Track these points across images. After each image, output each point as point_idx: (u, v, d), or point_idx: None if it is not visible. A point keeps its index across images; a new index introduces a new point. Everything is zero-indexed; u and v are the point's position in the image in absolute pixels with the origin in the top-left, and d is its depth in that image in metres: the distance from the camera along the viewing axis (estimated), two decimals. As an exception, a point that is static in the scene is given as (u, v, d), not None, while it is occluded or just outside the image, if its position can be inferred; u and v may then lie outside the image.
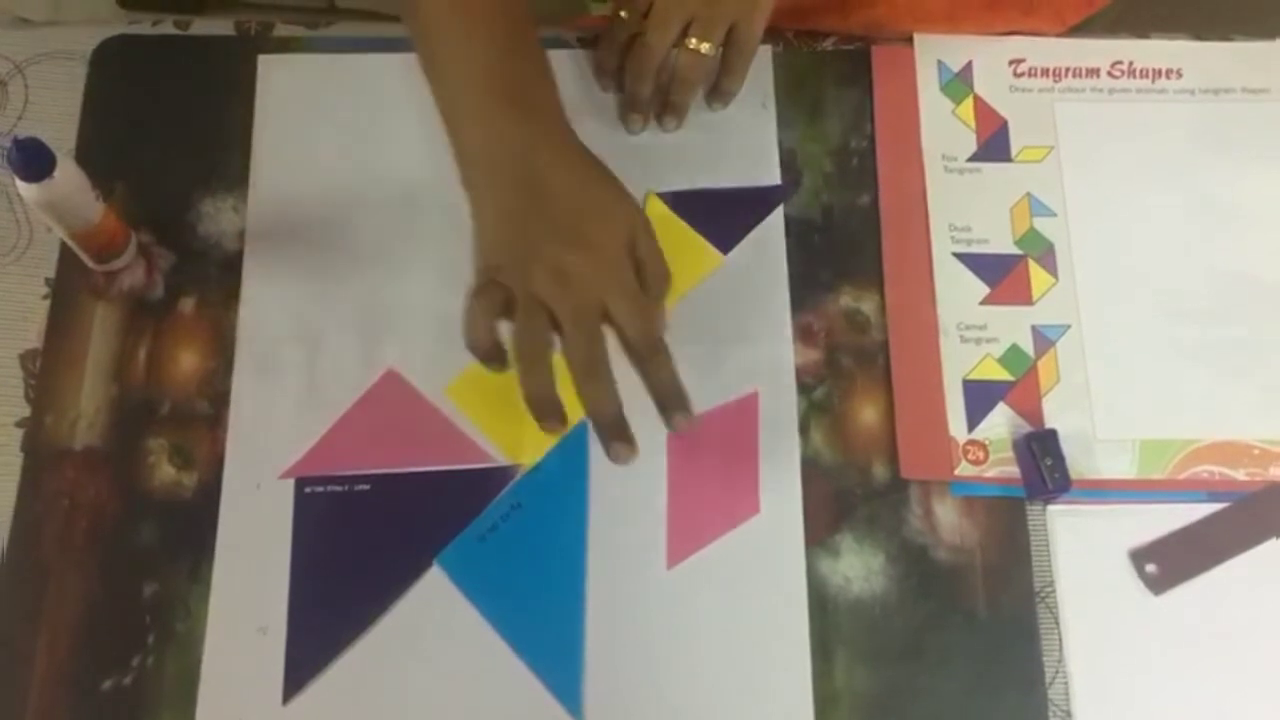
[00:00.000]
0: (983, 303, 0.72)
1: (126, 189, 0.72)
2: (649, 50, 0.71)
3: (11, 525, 0.65)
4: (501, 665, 0.63)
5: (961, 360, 0.70)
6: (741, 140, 0.75)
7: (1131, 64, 0.78)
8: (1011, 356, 0.70)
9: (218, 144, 0.73)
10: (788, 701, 0.63)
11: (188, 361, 0.69)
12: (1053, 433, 0.67)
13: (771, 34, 0.75)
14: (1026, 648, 0.65)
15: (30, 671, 0.62)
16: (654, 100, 0.74)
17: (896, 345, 0.71)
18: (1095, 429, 0.69)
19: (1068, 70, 0.78)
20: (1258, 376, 0.70)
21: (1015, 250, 0.73)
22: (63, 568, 0.64)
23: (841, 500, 0.67)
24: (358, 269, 0.71)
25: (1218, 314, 0.72)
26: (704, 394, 0.68)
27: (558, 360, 0.58)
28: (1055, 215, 0.74)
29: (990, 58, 0.78)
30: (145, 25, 0.77)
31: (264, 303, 0.70)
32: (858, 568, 0.66)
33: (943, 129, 0.76)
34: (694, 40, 0.71)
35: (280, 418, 0.67)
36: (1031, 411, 0.69)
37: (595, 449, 0.67)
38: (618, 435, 0.58)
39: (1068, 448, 0.67)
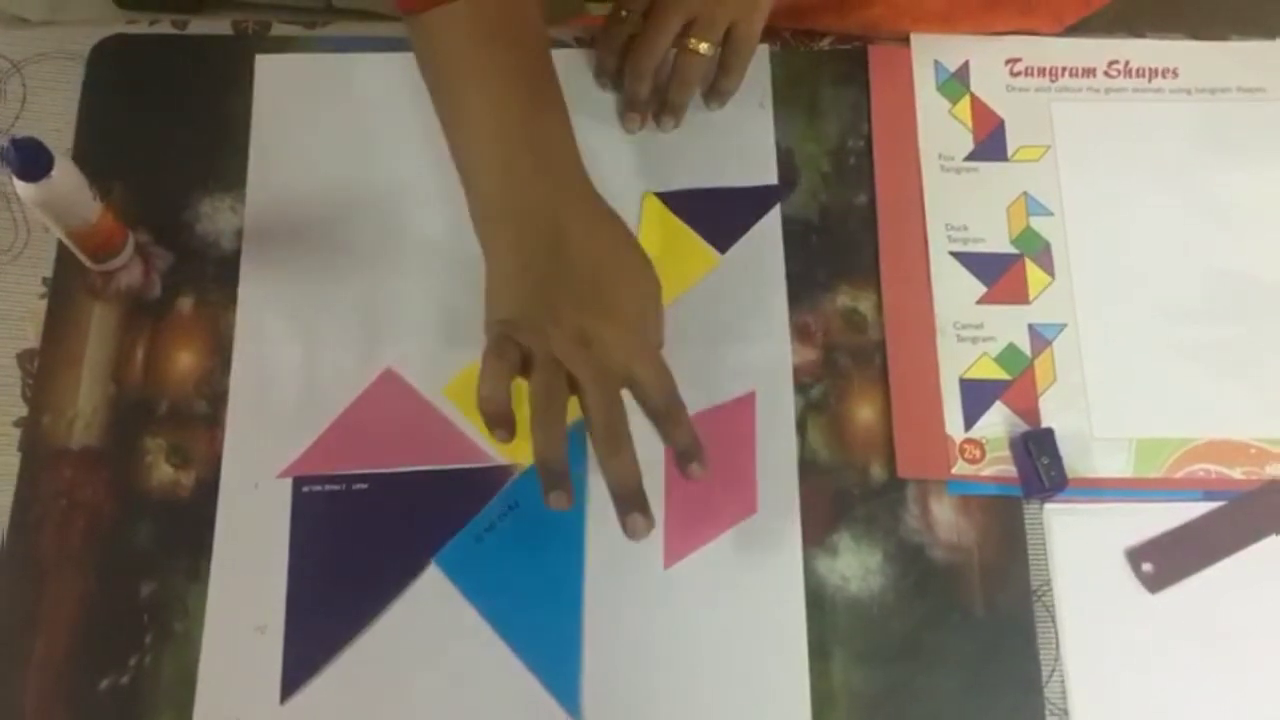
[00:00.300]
0: (979, 302, 0.72)
1: (124, 188, 0.72)
2: (647, 50, 0.71)
3: (9, 525, 0.65)
4: (499, 664, 0.63)
5: (958, 359, 0.70)
6: (739, 140, 0.75)
7: (1128, 63, 0.78)
8: (1008, 356, 0.70)
9: (215, 144, 0.73)
10: (785, 700, 0.63)
11: (185, 361, 0.69)
12: (1049, 432, 0.67)
13: (769, 34, 0.75)
14: (1023, 646, 0.65)
15: (27, 671, 0.62)
16: (652, 100, 0.74)
17: (893, 344, 0.71)
18: (1092, 428, 0.69)
19: (1064, 70, 0.78)
20: (1254, 375, 0.71)
21: (1012, 249, 0.73)
22: (60, 567, 0.64)
23: (839, 499, 0.67)
24: (355, 268, 0.71)
25: (1214, 313, 0.72)
26: (702, 394, 0.69)
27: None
28: (1052, 214, 0.74)
29: (987, 57, 0.78)
30: (143, 25, 0.77)
31: (261, 302, 0.70)
32: (855, 567, 0.66)
33: (939, 128, 0.76)
34: (692, 40, 0.71)
35: (278, 417, 0.67)
36: (1028, 410, 0.69)
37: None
38: (637, 507, 0.57)
39: (1064, 447, 0.67)
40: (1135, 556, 0.66)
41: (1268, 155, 0.76)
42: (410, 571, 0.65)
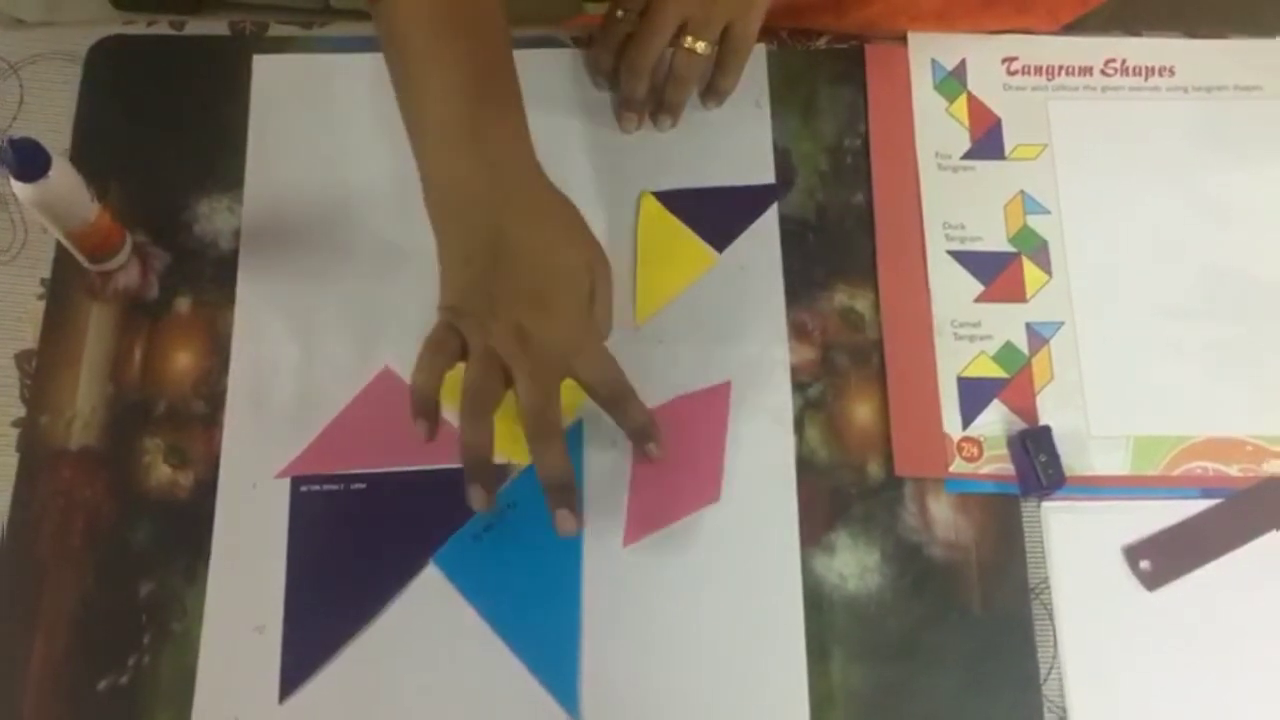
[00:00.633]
0: (977, 300, 0.72)
1: (121, 189, 0.72)
2: (644, 50, 0.71)
3: (7, 525, 0.65)
4: (498, 663, 0.63)
5: (956, 358, 0.70)
6: (736, 139, 0.75)
7: (1124, 62, 0.78)
8: (1005, 354, 0.70)
9: (213, 144, 0.74)
10: (783, 699, 0.63)
11: (183, 361, 0.69)
12: (1047, 429, 0.67)
13: (766, 33, 0.75)
14: (1021, 644, 0.65)
15: (26, 671, 0.62)
16: (649, 99, 0.74)
17: (891, 343, 0.71)
18: (1089, 426, 0.69)
19: (1061, 68, 0.78)
20: (1251, 373, 0.71)
21: (1009, 248, 0.73)
22: (59, 567, 0.64)
23: (836, 498, 0.67)
24: (353, 268, 0.71)
25: (1211, 311, 0.72)
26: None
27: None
28: (1049, 213, 0.74)
29: (984, 56, 0.78)
30: (140, 25, 0.77)
31: (259, 302, 0.70)
32: (853, 565, 0.66)
33: (936, 127, 0.76)
34: (689, 40, 0.71)
35: (276, 417, 0.67)
36: (1026, 408, 0.69)
37: (591, 448, 0.68)
38: (564, 503, 0.59)
39: (1062, 444, 0.67)
40: (1133, 554, 0.66)
41: (1264, 153, 0.76)
42: (408, 571, 0.65)
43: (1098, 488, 0.68)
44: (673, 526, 0.66)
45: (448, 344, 0.59)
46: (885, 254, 0.73)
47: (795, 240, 0.73)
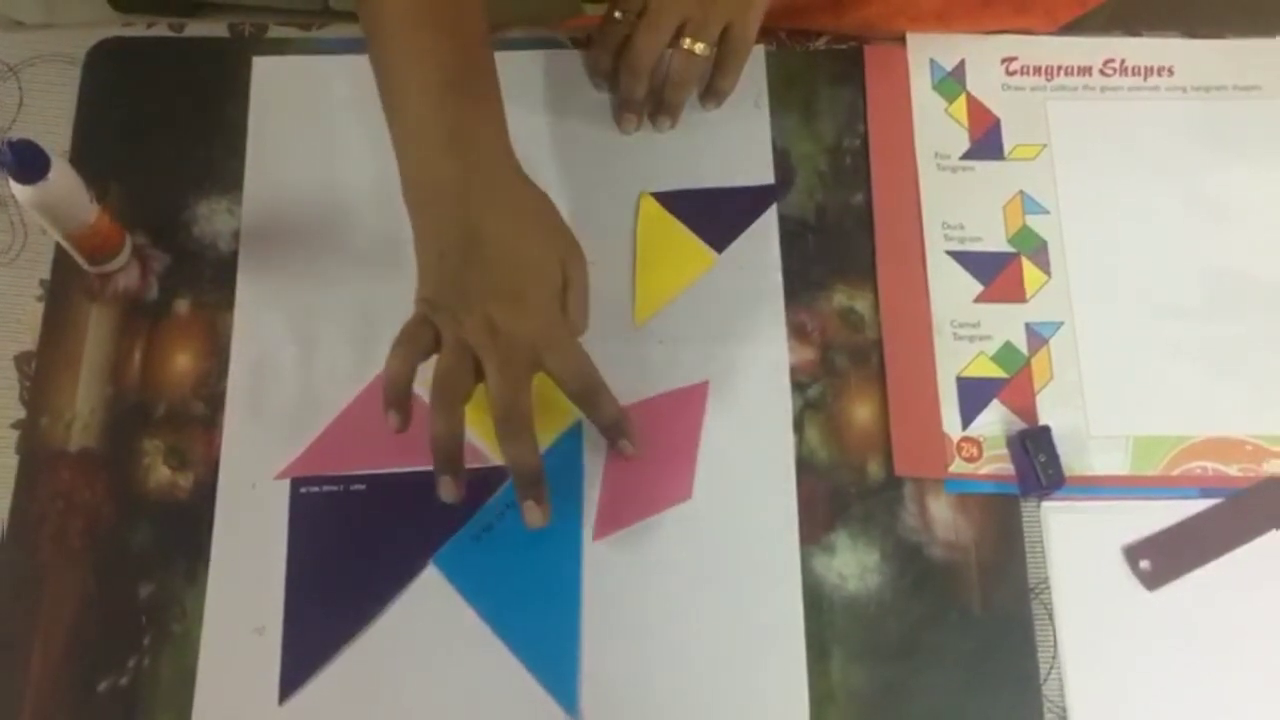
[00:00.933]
0: (976, 300, 0.72)
1: (121, 191, 0.72)
2: (643, 51, 0.71)
3: (7, 527, 0.65)
4: (498, 664, 0.63)
5: (955, 358, 0.70)
6: (735, 140, 0.75)
7: (1123, 62, 0.78)
8: (1005, 354, 0.70)
9: (212, 146, 0.74)
10: (784, 699, 0.63)
11: (183, 363, 0.69)
12: (1046, 429, 0.67)
13: (764, 33, 0.75)
14: (1021, 644, 0.65)
15: (26, 673, 0.62)
16: (648, 100, 0.74)
17: (890, 343, 0.71)
18: (1089, 426, 0.69)
19: (1060, 68, 0.78)
20: (1250, 373, 0.71)
21: (1008, 248, 0.73)
22: (59, 569, 0.64)
23: (836, 498, 0.67)
24: (352, 269, 0.71)
25: (1210, 311, 0.72)
26: (698, 393, 0.69)
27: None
28: (1048, 213, 0.74)
29: (982, 56, 0.78)
30: (139, 27, 0.77)
31: (259, 304, 0.70)
32: (853, 565, 0.66)
33: (935, 127, 0.76)
34: (688, 41, 0.71)
35: (275, 418, 0.67)
36: (1025, 408, 0.69)
37: (589, 448, 0.68)
38: (532, 495, 0.60)
39: (1061, 444, 0.67)
40: (1133, 554, 0.66)
41: (1263, 153, 0.76)
42: (408, 572, 0.65)
43: (1097, 488, 0.68)
44: (673, 526, 0.66)
45: (421, 336, 0.60)
46: (884, 254, 0.73)
47: (794, 241, 0.73)
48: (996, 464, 0.68)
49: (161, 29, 0.77)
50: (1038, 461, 0.66)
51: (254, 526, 0.65)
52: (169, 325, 0.70)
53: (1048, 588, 0.66)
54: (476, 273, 0.59)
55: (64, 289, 0.70)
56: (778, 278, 0.72)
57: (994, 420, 0.69)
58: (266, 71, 0.76)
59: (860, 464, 0.68)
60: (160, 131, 0.74)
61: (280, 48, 0.77)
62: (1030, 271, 0.73)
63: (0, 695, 0.62)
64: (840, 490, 0.68)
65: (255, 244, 0.71)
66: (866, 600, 0.66)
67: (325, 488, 0.66)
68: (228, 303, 0.70)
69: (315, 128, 0.74)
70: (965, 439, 0.69)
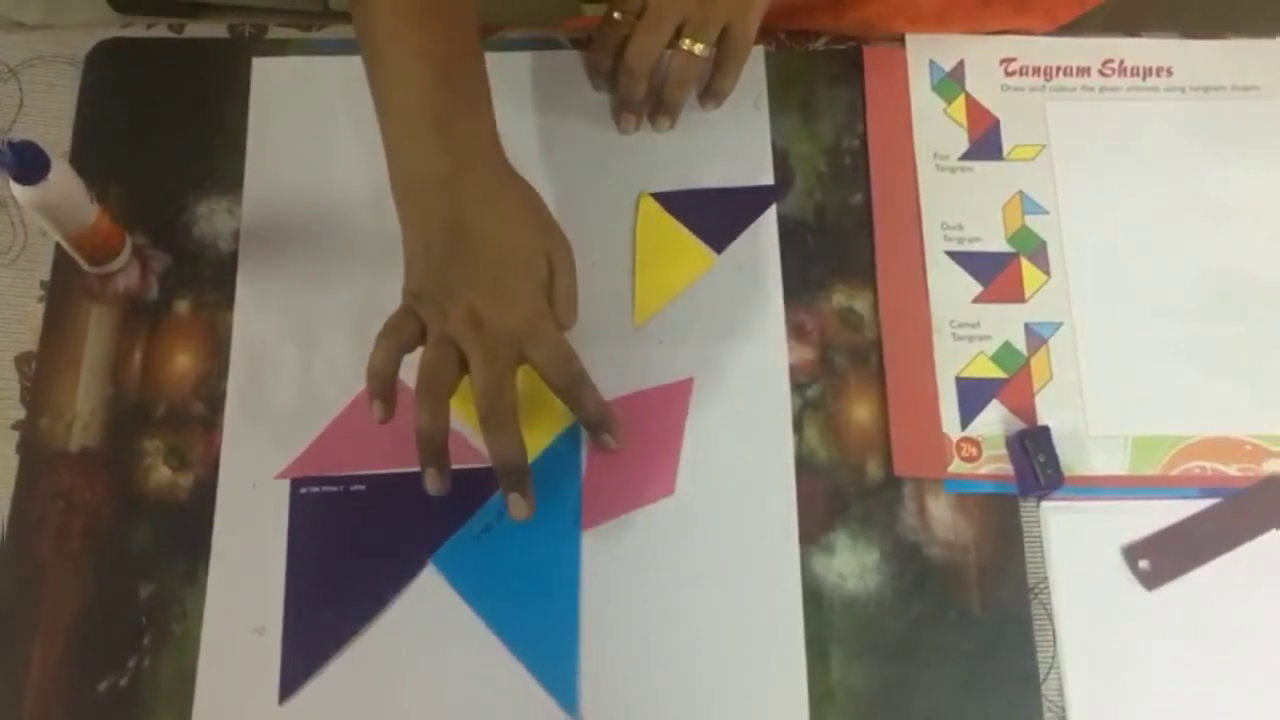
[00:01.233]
0: (975, 301, 0.72)
1: (121, 191, 0.72)
2: (643, 51, 0.71)
3: (7, 527, 0.65)
4: (497, 664, 0.63)
5: (954, 358, 0.70)
6: (734, 140, 0.75)
7: (1122, 62, 0.78)
8: (1004, 354, 0.71)
9: (212, 146, 0.74)
10: (783, 699, 0.63)
11: (183, 363, 0.69)
12: (1045, 429, 0.68)
13: (763, 34, 0.75)
14: (1021, 644, 0.65)
15: (26, 673, 0.62)
16: (647, 101, 0.74)
17: (890, 343, 0.71)
18: (1088, 425, 0.69)
19: (1059, 69, 0.78)
20: (1249, 373, 0.71)
21: (1007, 248, 0.73)
22: (59, 569, 0.64)
23: (836, 498, 0.67)
24: (352, 270, 0.71)
25: (1209, 311, 0.72)
26: (697, 395, 0.69)
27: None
28: (1047, 213, 0.74)
29: (981, 57, 0.78)
30: (139, 28, 0.77)
31: (259, 304, 0.70)
32: (852, 565, 0.66)
33: (934, 128, 0.76)
34: (687, 41, 0.71)
35: (275, 419, 0.68)
36: (1024, 408, 0.69)
37: (588, 447, 0.68)
38: (516, 487, 0.60)
39: (1060, 444, 0.67)
40: (1132, 554, 0.66)
41: (1262, 153, 0.76)
42: (408, 572, 0.65)
43: (1096, 488, 0.68)
44: (672, 526, 0.66)
45: (405, 328, 0.60)
46: (884, 254, 0.73)
47: (794, 241, 0.73)
48: (996, 464, 0.68)
49: (161, 30, 0.77)
50: (1037, 461, 0.66)
51: (254, 526, 0.65)
52: (169, 325, 0.70)
53: (1047, 587, 0.66)
54: (462, 264, 0.60)
55: (64, 289, 0.70)
56: (777, 278, 0.72)
57: (993, 420, 0.69)
58: (266, 72, 0.76)
59: (859, 464, 0.68)
60: (160, 132, 0.74)
61: (280, 48, 0.77)
62: (1029, 272, 0.73)
63: (1, 695, 0.62)
64: (839, 490, 0.68)
65: (255, 244, 0.71)
66: (866, 600, 0.66)
67: (325, 488, 0.66)
68: (228, 303, 0.70)
69: (315, 128, 0.74)
70: (964, 439, 0.69)
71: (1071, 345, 0.71)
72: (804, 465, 0.68)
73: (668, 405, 0.69)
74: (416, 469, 0.66)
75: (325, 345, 0.69)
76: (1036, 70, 0.78)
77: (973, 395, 0.70)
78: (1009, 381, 0.70)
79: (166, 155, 0.74)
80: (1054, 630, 0.65)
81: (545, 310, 0.62)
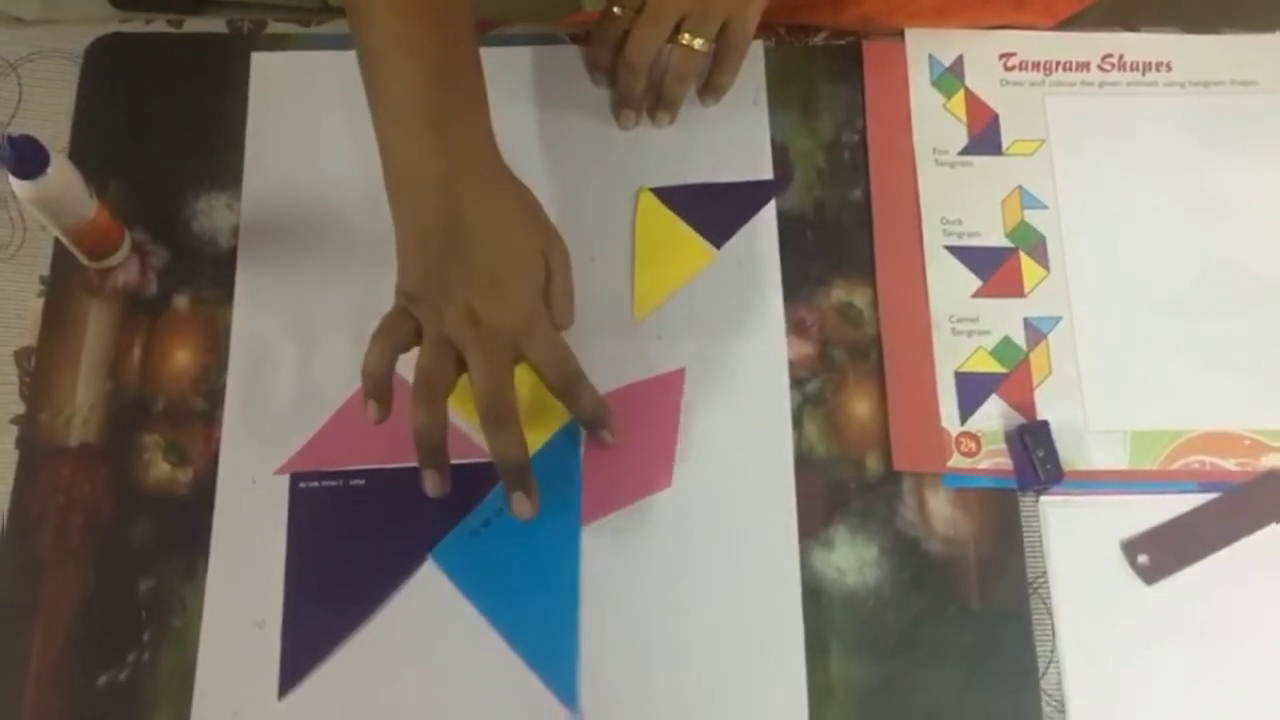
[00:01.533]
0: (974, 295, 0.72)
1: (120, 187, 0.72)
2: (642, 46, 0.71)
3: (7, 522, 0.65)
4: (497, 659, 0.63)
5: (953, 353, 0.70)
6: (733, 135, 0.75)
7: (1121, 57, 0.78)
8: (1003, 349, 0.71)
9: (211, 142, 0.74)
10: (782, 693, 0.63)
11: (182, 358, 0.69)
12: (1045, 424, 0.68)
13: (763, 29, 0.75)
14: (1020, 638, 0.65)
15: (26, 668, 0.62)
16: (647, 96, 0.74)
17: (889, 338, 0.71)
18: (1087, 420, 0.69)
19: (1058, 64, 0.78)
20: (1248, 367, 0.71)
21: (1007, 243, 0.73)
22: (58, 564, 0.64)
23: (835, 493, 0.67)
24: (351, 265, 0.71)
25: (1209, 305, 0.72)
26: (696, 390, 0.69)
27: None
28: (1046, 208, 0.74)
29: (981, 51, 0.78)
30: (138, 23, 0.77)
31: (258, 299, 0.70)
32: (851, 560, 0.66)
33: (934, 123, 0.76)
34: (686, 36, 0.71)
35: (275, 414, 0.68)
36: (1023, 403, 0.69)
37: (586, 442, 0.68)
38: (520, 486, 0.60)
39: (1060, 439, 0.67)
40: (1131, 548, 0.67)
41: (1261, 148, 0.76)
42: (407, 567, 0.65)
43: (1096, 482, 0.68)
44: (671, 522, 0.66)
45: (399, 328, 0.60)
46: (883, 250, 0.73)
47: (793, 236, 0.73)
48: (995, 459, 0.68)
49: (160, 25, 0.77)
50: (1036, 456, 0.66)
51: (253, 521, 0.65)
52: (168, 321, 0.70)
53: (1046, 582, 0.66)
54: (459, 263, 0.59)
55: (63, 285, 0.70)
56: (776, 273, 0.72)
57: (992, 415, 0.69)
58: (265, 67, 0.76)
59: (859, 459, 0.68)
60: (159, 127, 0.74)
61: (279, 43, 0.77)
62: (1029, 266, 0.73)
63: (1, 690, 0.62)
64: (839, 485, 0.68)
65: (254, 239, 0.71)
66: (865, 595, 0.66)
67: (324, 483, 0.66)
68: (227, 298, 0.70)
69: (314, 123, 0.74)
70: (964, 434, 0.69)
71: (1070, 340, 0.71)
72: (803, 460, 0.68)
73: (661, 396, 0.69)
74: (416, 464, 0.66)
75: (325, 340, 0.69)
76: (1036, 65, 0.78)
77: (972, 390, 0.70)
78: (1008, 376, 0.70)
79: (166, 150, 0.73)
80: (1053, 625, 0.65)
81: (542, 309, 0.62)
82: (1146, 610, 0.66)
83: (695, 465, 0.68)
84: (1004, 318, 0.71)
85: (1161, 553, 0.66)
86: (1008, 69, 0.78)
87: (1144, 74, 0.78)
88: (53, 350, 0.69)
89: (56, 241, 0.70)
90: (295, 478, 0.66)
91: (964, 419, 0.69)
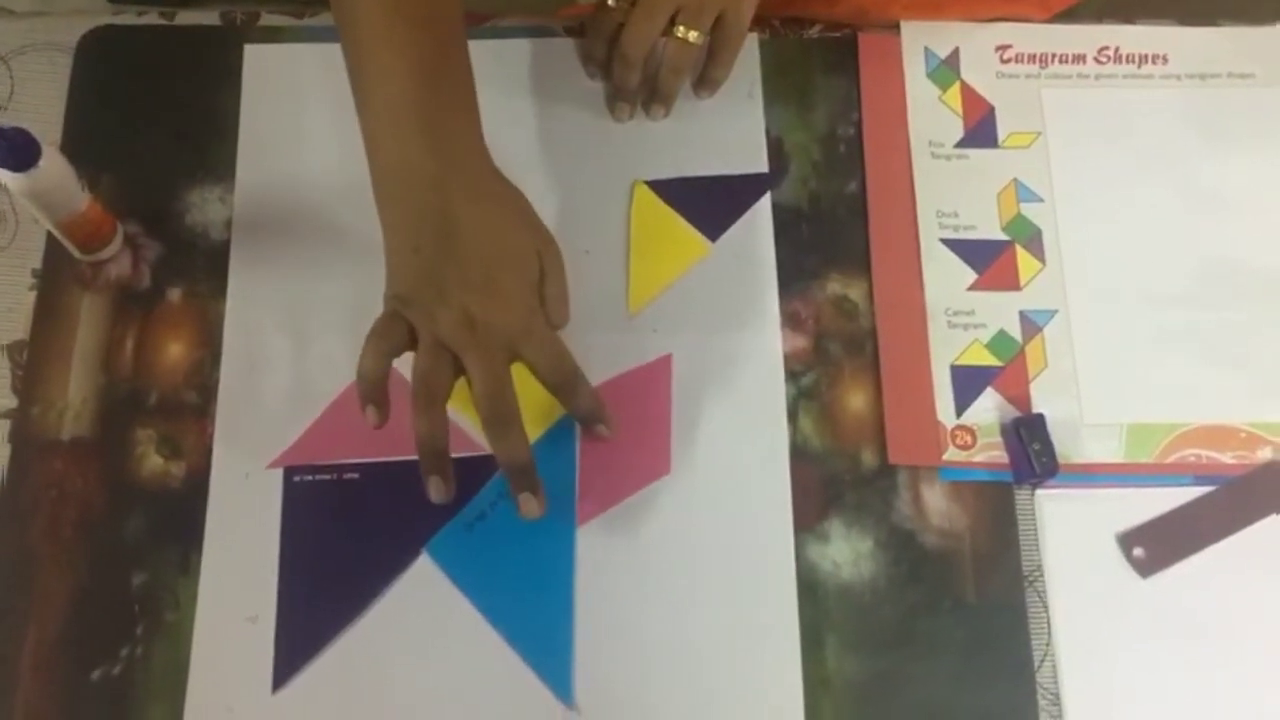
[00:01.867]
0: (970, 288, 0.72)
1: (113, 179, 0.72)
2: (637, 39, 0.71)
3: (-1, 516, 0.65)
4: (491, 653, 0.63)
5: (949, 346, 0.70)
6: (729, 128, 0.75)
7: (1118, 49, 0.78)
8: (999, 342, 0.70)
9: (204, 134, 0.73)
10: (778, 687, 0.63)
11: (175, 352, 0.69)
12: (1040, 417, 0.68)
13: (758, 22, 0.75)
14: (1015, 632, 0.65)
15: (19, 662, 0.62)
16: (642, 89, 0.74)
17: (884, 332, 0.71)
18: (1083, 413, 0.69)
19: (1054, 56, 0.78)
20: (1244, 360, 0.71)
21: (1002, 236, 0.73)
22: (51, 559, 0.64)
23: (830, 486, 0.67)
24: (345, 258, 0.71)
25: (1204, 298, 0.72)
26: (692, 383, 0.69)
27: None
28: (1042, 201, 0.74)
29: (976, 44, 0.78)
30: (130, 15, 0.77)
31: (251, 292, 0.70)
32: (846, 553, 0.66)
33: (930, 115, 0.76)
34: (682, 29, 0.71)
35: (268, 407, 0.67)
36: (1019, 396, 0.69)
37: (580, 436, 0.68)
38: (527, 487, 0.60)
39: (1055, 432, 0.67)
40: (1127, 542, 0.66)
41: (1258, 141, 0.76)
42: (402, 561, 0.65)
43: (1091, 475, 0.68)
44: (666, 516, 0.66)
45: (393, 332, 0.59)
46: (878, 243, 0.73)
47: (788, 229, 0.73)
48: (990, 452, 0.68)
49: (153, 17, 0.77)
50: (1032, 449, 0.66)
51: (247, 515, 0.65)
52: (161, 314, 0.69)
53: (1041, 575, 0.66)
54: (453, 265, 0.59)
55: (56, 278, 0.70)
56: (772, 266, 0.72)
57: (988, 408, 0.69)
58: (258, 59, 0.75)
59: (854, 452, 0.68)
60: (152, 120, 0.74)
61: (272, 35, 0.76)
62: (1024, 259, 0.72)
63: (-7, 684, 0.62)
64: (834, 478, 0.68)
65: (247, 233, 0.71)
66: (860, 588, 0.66)
67: (318, 476, 0.66)
68: (220, 291, 0.70)
69: (307, 116, 0.74)
70: (959, 427, 0.68)
71: (1066, 333, 0.71)
72: (798, 453, 0.68)
73: (651, 384, 0.69)
74: (410, 458, 0.65)
75: (318, 333, 0.69)
76: (1032, 57, 0.78)
77: (968, 383, 0.69)
78: (1004, 369, 0.70)
79: (158, 143, 0.73)
80: (1048, 618, 0.65)
81: (538, 309, 0.61)
82: (1142, 603, 0.66)
83: (690, 458, 0.67)
84: (1000, 311, 0.71)
85: (1157, 546, 0.66)
86: (1003, 61, 0.78)
87: (1140, 66, 0.78)
88: (45, 344, 0.68)
89: (48, 234, 0.70)
90: (289, 471, 0.66)
91: (959, 412, 0.69)
